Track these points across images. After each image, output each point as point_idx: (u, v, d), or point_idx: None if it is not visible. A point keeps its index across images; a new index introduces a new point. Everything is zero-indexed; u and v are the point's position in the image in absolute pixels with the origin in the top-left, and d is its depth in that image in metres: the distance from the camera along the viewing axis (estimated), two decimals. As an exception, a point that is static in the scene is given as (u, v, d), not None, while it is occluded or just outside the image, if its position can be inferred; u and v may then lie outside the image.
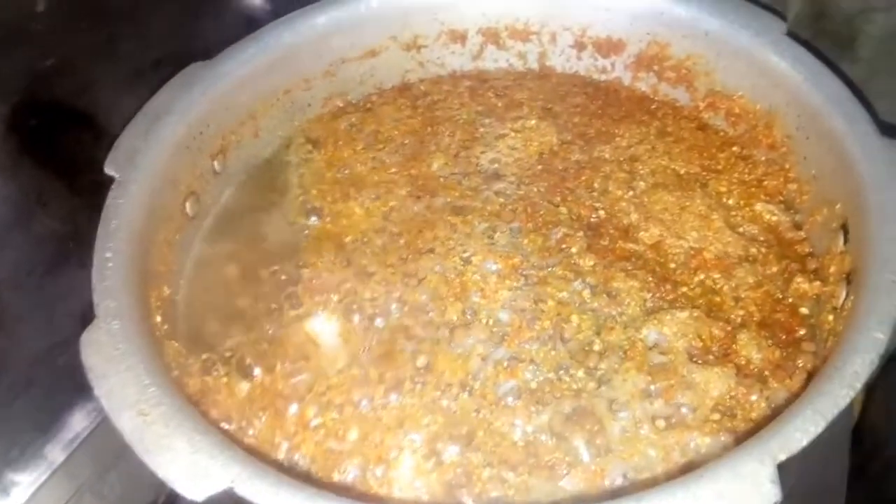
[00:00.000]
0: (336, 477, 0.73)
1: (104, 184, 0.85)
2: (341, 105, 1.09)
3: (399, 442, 0.74)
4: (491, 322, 0.82)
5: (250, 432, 0.76)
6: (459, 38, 1.11)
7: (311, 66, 1.05)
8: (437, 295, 0.84)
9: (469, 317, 0.82)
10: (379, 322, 0.83)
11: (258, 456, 0.68)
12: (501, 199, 0.93)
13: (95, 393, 0.67)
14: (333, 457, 0.74)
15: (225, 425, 0.76)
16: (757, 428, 0.72)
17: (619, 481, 0.71)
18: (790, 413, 0.60)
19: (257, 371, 0.80)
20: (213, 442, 0.61)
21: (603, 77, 1.11)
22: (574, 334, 0.80)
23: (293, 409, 0.77)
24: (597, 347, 0.79)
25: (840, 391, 0.60)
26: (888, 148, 0.78)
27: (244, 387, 0.79)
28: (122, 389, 0.66)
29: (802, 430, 0.58)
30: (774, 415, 0.73)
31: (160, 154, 0.88)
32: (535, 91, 1.09)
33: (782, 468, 0.57)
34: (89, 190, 0.86)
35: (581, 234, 0.88)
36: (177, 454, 0.61)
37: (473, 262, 0.86)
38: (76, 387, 0.67)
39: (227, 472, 0.59)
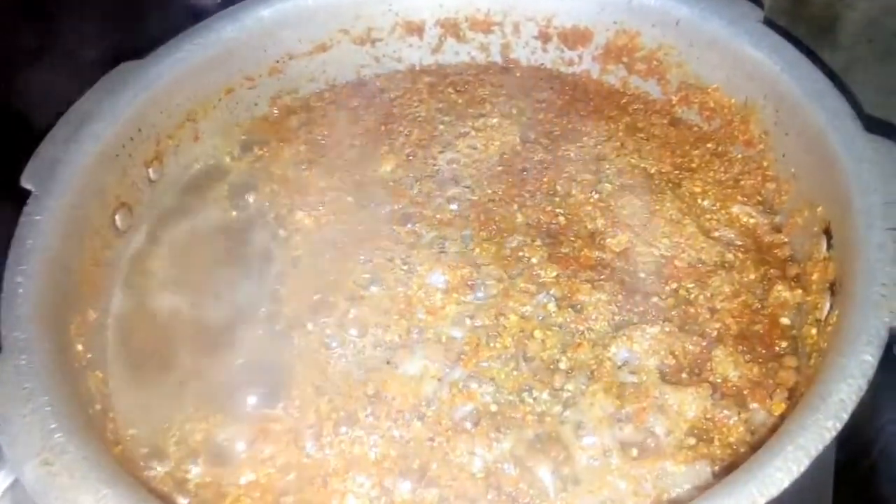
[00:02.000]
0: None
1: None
2: (290, 104, 1.02)
3: (344, 486, 0.68)
4: (444, 339, 0.75)
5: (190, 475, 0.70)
6: (416, 30, 1.04)
7: (255, 63, 0.98)
8: (380, 312, 0.77)
9: (416, 335, 0.76)
10: (335, 346, 0.77)
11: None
12: (454, 206, 0.87)
13: (-1, 439, 0.60)
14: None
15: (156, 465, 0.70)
16: (735, 454, 0.67)
17: (586, 519, 0.65)
18: (771, 449, 0.54)
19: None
20: (122, 496, 0.54)
21: (570, 70, 1.05)
22: (538, 352, 0.74)
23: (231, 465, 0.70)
24: (563, 366, 0.73)
25: (825, 423, 0.54)
26: (874, 145, 0.72)
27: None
28: (26, 435, 0.59)
29: (784, 469, 0.52)
30: (754, 438, 0.68)
31: (84, 163, 0.80)
32: (499, 86, 1.03)
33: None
34: (24, 199, 0.79)
35: (539, 241, 0.82)
36: (82, 511, 0.54)
37: (419, 272, 0.80)
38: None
39: (136, 533, 0.52)
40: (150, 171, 0.89)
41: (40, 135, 0.87)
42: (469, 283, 0.79)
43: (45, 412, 0.60)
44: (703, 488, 0.64)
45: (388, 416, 0.71)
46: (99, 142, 0.82)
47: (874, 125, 0.75)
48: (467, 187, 0.89)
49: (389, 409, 0.72)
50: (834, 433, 0.54)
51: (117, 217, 0.84)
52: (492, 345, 0.75)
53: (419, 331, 0.76)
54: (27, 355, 0.64)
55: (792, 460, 0.53)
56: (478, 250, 0.82)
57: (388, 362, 0.75)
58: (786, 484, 0.51)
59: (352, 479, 0.68)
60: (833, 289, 0.71)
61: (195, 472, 0.70)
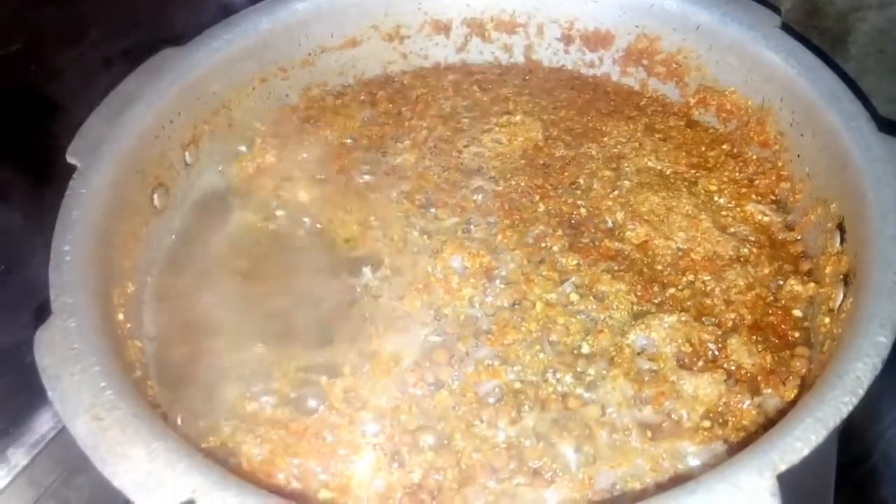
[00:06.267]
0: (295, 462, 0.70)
1: (71, 174, 0.80)
2: (318, 96, 1.05)
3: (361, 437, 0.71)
4: (462, 318, 0.79)
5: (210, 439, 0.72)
6: (443, 29, 1.08)
7: (288, 55, 1.01)
8: (400, 287, 0.81)
9: (433, 312, 0.79)
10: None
11: (219, 461, 0.63)
12: (478, 196, 0.90)
13: (49, 395, 0.62)
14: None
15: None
16: (749, 436, 0.70)
17: (608, 491, 0.67)
18: (790, 421, 0.57)
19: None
20: (172, 449, 0.57)
21: (591, 71, 1.08)
22: (562, 337, 0.77)
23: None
24: (585, 351, 0.76)
25: (842, 398, 0.57)
26: (887, 144, 0.76)
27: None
28: (76, 392, 0.61)
29: (804, 439, 0.55)
30: (767, 423, 0.71)
31: (126, 143, 0.83)
32: (522, 85, 1.06)
33: (781, 479, 0.54)
34: (55, 182, 0.82)
35: (560, 231, 0.85)
36: (133, 463, 0.56)
37: (442, 256, 0.83)
38: (41, 388, 0.63)
39: (188, 483, 0.54)
40: (187, 154, 0.92)
41: (71, 118, 0.90)
42: (490, 267, 0.82)
43: (95, 371, 0.62)
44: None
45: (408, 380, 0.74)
46: (140, 123, 0.85)
47: (887, 126, 0.78)
48: (492, 178, 0.92)
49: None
50: (850, 407, 0.57)
51: (155, 196, 0.87)
52: (518, 328, 0.77)
53: (436, 308, 0.79)
54: (76, 318, 0.66)
55: (811, 431, 0.55)
56: (500, 237, 0.85)
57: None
58: (805, 452, 0.54)
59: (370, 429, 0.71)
60: (847, 280, 0.74)
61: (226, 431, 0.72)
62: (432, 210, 0.89)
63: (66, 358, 0.63)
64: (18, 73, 1.02)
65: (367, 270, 0.83)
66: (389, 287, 0.82)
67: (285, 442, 0.71)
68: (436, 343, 0.77)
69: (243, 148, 0.98)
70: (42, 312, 0.68)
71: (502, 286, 0.81)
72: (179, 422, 0.72)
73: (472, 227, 0.86)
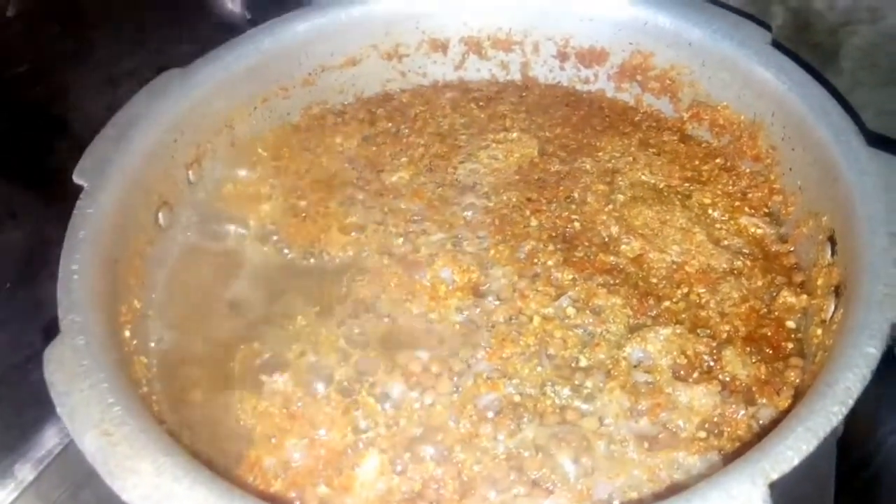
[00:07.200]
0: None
1: (77, 193, 0.81)
2: (318, 115, 1.07)
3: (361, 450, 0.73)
4: (457, 328, 0.80)
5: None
6: (441, 47, 1.10)
7: (290, 74, 1.03)
8: (392, 296, 0.83)
9: (427, 324, 0.81)
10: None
11: (225, 475, 0.65)
12: (468, 213, 0.92)
13: (58, 411, 0.64)
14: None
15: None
16: (744, 446, 0.71)
17: (606, 502, 0.69)
18: (781, 431, 0.58)
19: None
20: (179, 464, 0.58)
21: (586, 88, 1.10)
22: (559, 351, 0.78)
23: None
24: (582, 364, 0.77)
25: (832, 408, 0.58)
26: (876, 158, 0.77)
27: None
28: (85, 408, 0.63)
29: (794, 448, 0.56)
30: (762, 432, 0.72)
31: (132, 162, 0.85)
32: (518, 102, 1.08)
33: (773, 487, 0.55)
34: (62, 200, 0.83)
35: (552, 246, 0.87)
36: (141, 477, 0.58)
37: (434, 268, 0.85)
38: (48, 403, 0.65)
39: (194, 497, 0.56)
40: (190, 173, 0.94)
41: (77, 136, 0.92)
42: (478, 283, 0.84)
43: (103, 388, 0.64)
44: (714, 476, 0.68)
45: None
46: (145, 143, 0.87)
47: (875, 140, 0.80)
48: (485, 194, 0.94)
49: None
50: (840, 417, 0.58)
51: (160, 215, 0.89)
52: (515, 342, 0.79)
53: (428, 321, 0.81)
54: (84, 336, 0.68)
55: (802, 440, 0.57)
56: (493, 251, 0.87)
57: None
58: (795, 461, 0.55)
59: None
60: (838, 291, 0.75)
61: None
62: (422, 225, 0.90)
63: (75, 375, 0.65)
64: (25, 92, 1.04)
65: (356, 285, 0.85)
66: (381, 298, 0.83)
67: (281, 425, 0.74)
68: (427, 355, 0.78)
69: (244, 172, 0.99)
70: (50, 330, 0.70)
71: (496, 302, 0.82)
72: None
73: (463, 242, 0.88)
